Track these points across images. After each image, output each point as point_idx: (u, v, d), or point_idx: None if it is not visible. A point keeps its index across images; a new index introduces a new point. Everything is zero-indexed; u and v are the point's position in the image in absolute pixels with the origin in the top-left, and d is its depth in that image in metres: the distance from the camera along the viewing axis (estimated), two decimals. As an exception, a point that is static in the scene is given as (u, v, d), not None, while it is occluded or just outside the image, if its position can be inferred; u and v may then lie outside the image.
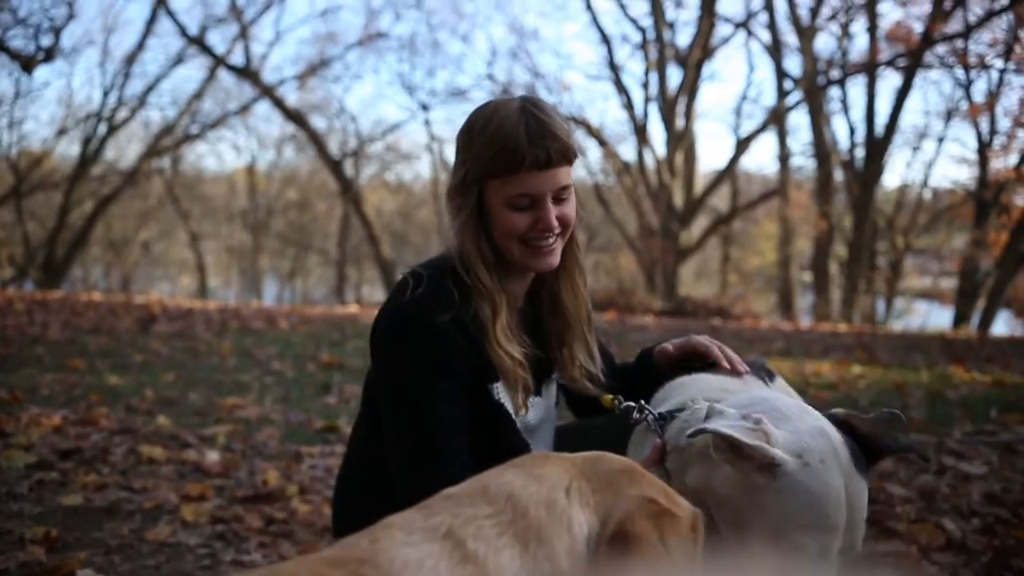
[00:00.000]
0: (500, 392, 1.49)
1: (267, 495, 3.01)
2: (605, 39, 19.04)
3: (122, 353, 6.43)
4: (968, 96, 15.00)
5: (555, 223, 1.47)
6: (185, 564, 2.43)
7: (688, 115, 18.81)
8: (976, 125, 14.48)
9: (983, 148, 14.34)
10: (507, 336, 1.46)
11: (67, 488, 3.02)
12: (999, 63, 13.23)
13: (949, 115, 16.00)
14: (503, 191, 1.44)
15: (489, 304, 1.46)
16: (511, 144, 1.40)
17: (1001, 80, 13.58)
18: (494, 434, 1.48)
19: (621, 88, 19.13)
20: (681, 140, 18.66)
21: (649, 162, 18.86)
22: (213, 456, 3.48)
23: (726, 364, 1.59)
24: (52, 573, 2.24)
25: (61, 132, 17.77)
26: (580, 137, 21.15)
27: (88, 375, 5.38)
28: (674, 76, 18.74)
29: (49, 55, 12.44)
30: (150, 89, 18.36)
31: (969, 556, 2.48)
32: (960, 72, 14.54)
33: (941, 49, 14.16)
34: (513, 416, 1.51)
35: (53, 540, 2.50)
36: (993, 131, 14.17)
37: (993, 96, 13.94)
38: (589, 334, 1.63)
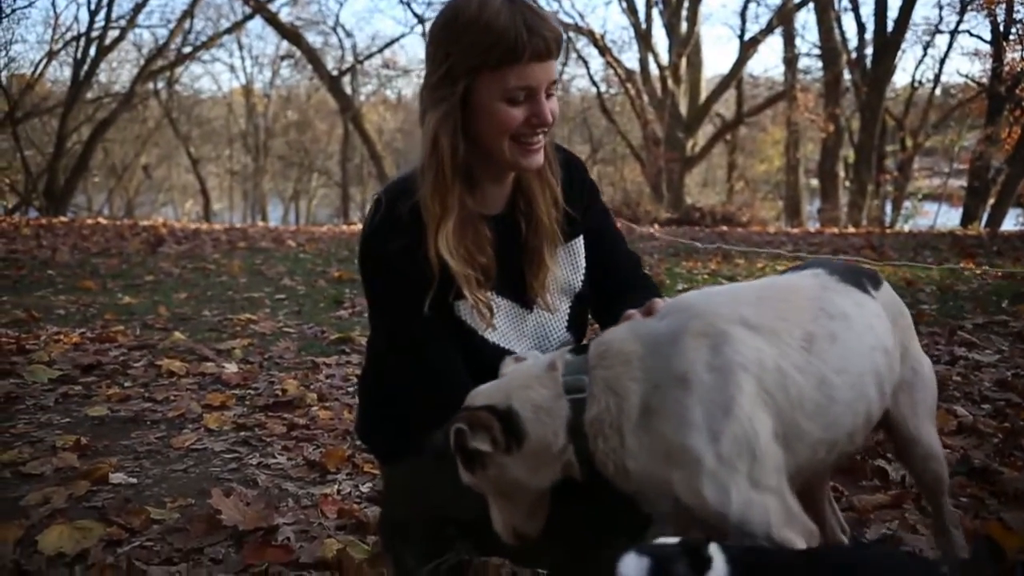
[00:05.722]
0: (462, 309, 1.48)
1: (287, 403, 3.07)
2: (606, -61, 18.29)
3: (132, 274, 6.46)
4: (984, -16, 14.45)
5: (550, 116, 1.44)
6: (213, 468, 2.49)
7: (692, 19, 18.24)
8: (992, 15, 13.95)
9: (998, 39, 13.86)
10: (447, 244, 1.42)
11: (91, 400, 3.08)
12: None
13: (964, 6, 15.43)
14: (499, 84, 1.40)
15: (440, 204, 1.41)
16: (511, 34, 1.36)
17: (1020, -34, 13.03)
18: (464, 351, 1.48)
19: (623, -9, 18.50)
20: (685, 45, 18.14)
21: (653, 70, 18.42)
22: (231, 368, 3.53)
23: None
24: (85, 477, 2.31)
25: (50, 55, 17.34)
26: (582, 46, 20.61)
27: (101, 295, 5.42)
28: (678, -24, 18.10)
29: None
30: (138, 8, 17.84)
31: (980, 438, 2.53)
32: (977, -41, 13.97)
33: (957, -65, 13.54)
34: (478, 332, 1.49)
35: (83, 447, 2.57)
36: (1010, 20, 13.64)
37: (1011, -17, 13.39)
38: (561, 237, 1.56)
